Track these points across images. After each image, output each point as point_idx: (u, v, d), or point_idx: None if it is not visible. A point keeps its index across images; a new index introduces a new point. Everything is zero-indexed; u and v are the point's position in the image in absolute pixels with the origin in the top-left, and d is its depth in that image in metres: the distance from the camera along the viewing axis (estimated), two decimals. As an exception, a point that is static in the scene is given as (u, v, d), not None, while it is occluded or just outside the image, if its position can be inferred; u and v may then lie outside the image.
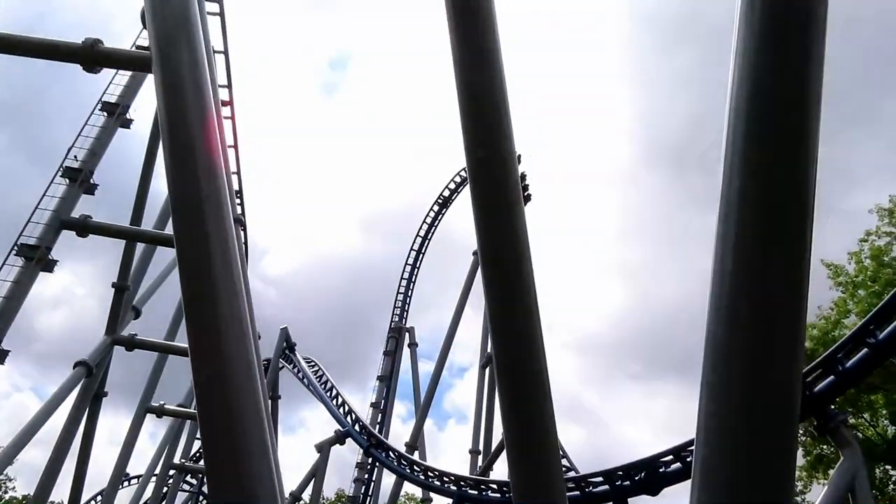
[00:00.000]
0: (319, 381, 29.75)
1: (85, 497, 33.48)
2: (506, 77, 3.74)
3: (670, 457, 15.17)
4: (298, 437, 76.57)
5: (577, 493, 17.05)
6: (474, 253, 30.52)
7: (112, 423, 78.89)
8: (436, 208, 36.97)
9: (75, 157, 14.29)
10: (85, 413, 16.45)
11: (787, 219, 2.12)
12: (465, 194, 37.57)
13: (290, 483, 29.70)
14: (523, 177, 36.22)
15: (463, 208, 37.57)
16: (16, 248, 12.84)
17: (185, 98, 4.46)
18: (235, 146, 22.29)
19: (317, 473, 25.30)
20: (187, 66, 4.59)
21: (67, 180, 14.08)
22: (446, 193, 36.71)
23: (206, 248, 4.08)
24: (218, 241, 4.17)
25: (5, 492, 45.87)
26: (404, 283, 37.21)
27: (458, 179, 36.49)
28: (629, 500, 15.91)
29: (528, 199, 33.75)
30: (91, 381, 16.17)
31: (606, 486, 16.28)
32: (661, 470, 15.29)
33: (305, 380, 30.34)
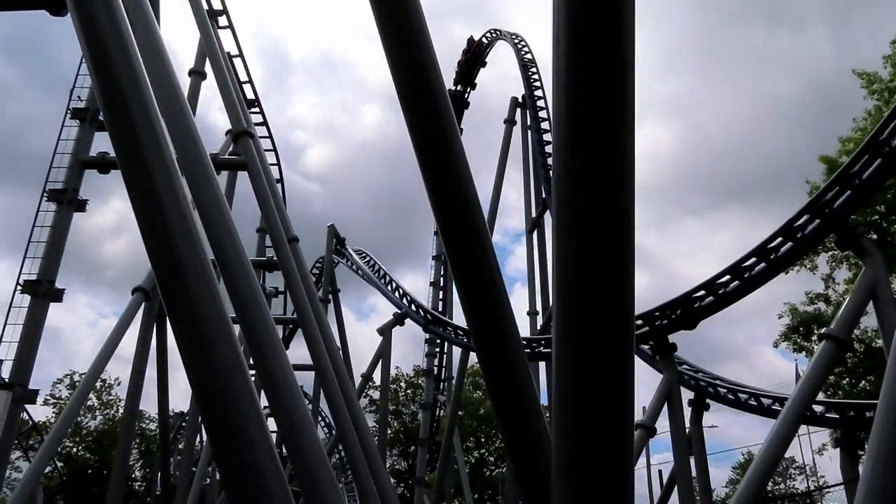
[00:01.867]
0: (373, 271, 30.92)
1: (186, 404, 36.58)
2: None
3: (702, 292, 15.50)
4: (372, 321, 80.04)
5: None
6: (505, 121, 30.16)
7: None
8: (462, 71, 35.68)
9: (79, 97, 14.74)
10: (153, 333, 17.83)
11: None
12: (492, 58, 36.30)
13: (363, 366, 31.80)
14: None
15: (493, 72, 36.57)
16: (45, 194, 13.63)
17: (101, 30, 4.41)
18: (241, 55, 22.25)
19: (383, 355, 26.84)
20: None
21: (78, 121, 14.60)
22: (470, 57, 35.39)
23: (145, 163, 4.14)
24: (154, 154, 4.18)
25: (117, 410, 50.70)
26: (443, 160, 37.13)
27: (485, 41, 35.08)
28: (669, 336, 16.51)
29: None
30: (151, 304, 17.37)
31: (647, 328, 16.88)
32: (695, 305, 15.70)
33: (360, 272, 31.57)
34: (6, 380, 12.48)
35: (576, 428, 2.39)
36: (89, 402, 52.30)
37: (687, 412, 18.00)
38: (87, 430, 53.05)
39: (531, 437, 3.62)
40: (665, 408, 16.37)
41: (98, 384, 52.08)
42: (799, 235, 13.07)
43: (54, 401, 50.89)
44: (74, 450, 52.68)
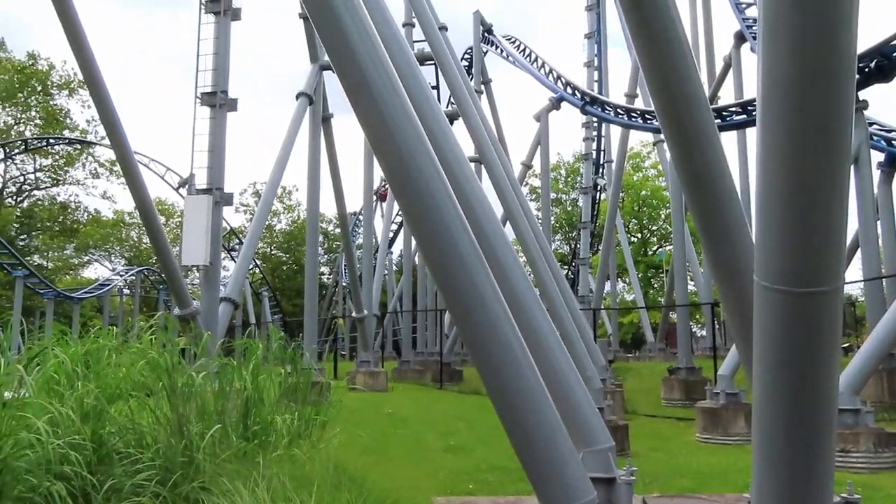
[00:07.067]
0: (523, 55, 29.80)
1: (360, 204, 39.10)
2: None
3: (905, 37, 13.51)
4: (523, 110, 77.95)
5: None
6: None
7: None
8: None
9: None
10: (321, 136, 18.73)
11: None
12: None
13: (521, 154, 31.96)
14: None
15: None
16: (202, 6, 14.03)
17: None
18: None
19: (541, 140, 26.59)
20: None
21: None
22: None
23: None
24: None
25: (299, 214, 55.70)
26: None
27: None
28: (858, 92, 14.82)
29: None
30: (315, 108, 18.10)
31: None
32: (894, 55, 13.77)
33: (510, 58, 30.55)
34: (205, 187, 13.88)
35: (781, 192, 2.24)
36: (274, 208, 57.76)
37: (875, 175, 16.64)
38: (277, 233, 59.22)
39: (722, 204, 3.47)
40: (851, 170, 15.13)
41: (279, 190, 57.02)
42: None
43: (244, 208, 56.76)
44: (269, 250, 59.31)
